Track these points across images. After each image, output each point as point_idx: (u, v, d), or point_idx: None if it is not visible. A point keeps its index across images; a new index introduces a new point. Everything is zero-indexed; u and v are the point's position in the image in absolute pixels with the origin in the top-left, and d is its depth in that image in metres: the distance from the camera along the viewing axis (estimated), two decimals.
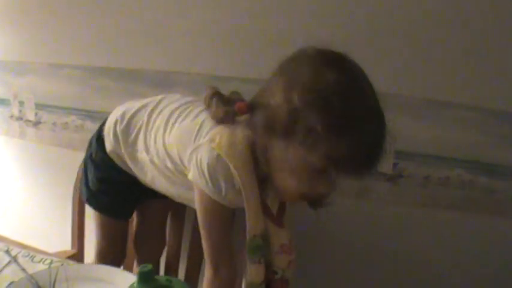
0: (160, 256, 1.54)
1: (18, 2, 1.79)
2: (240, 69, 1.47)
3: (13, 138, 1.98)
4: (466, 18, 1.26)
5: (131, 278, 0.99)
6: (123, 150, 1.25)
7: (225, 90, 1.47)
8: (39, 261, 1.14)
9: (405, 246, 1.45)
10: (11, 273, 1.08)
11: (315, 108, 0.85)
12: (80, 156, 1.53)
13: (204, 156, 1.01)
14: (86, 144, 1.39)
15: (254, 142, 0.98)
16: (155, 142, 1.17)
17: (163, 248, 1.55)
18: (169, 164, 1.14)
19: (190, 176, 1.05)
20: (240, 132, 1.00)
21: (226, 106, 1.03)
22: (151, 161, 1.19)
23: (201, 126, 1.08)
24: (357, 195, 1.45)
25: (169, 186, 1.21)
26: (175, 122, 1.14)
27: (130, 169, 1.27)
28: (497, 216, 1.34)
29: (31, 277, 1.04)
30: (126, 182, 1.30)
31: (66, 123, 1.81)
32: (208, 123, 1.07)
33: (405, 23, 1.30)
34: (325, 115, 0.84)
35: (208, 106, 1.07)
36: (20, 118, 1.93)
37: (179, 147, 1.10)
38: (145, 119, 1.21)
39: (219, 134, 1.01)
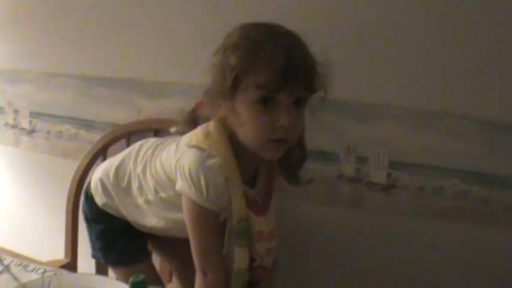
0: None
1: (13, 12, 1.79)
2: None
3: (7, 146, 1.98)
4: (461, 29, 1.26)
5: None
6: (117, 202, 1.27)
7: None
8: (32, 270, 1.14)
9: (399, 256, 1.45)
10: (4, 282, 1.07)
11: (229, 53, 1.01)
12: (74, 164, 1.53)
13: (185, 160, 1.05)
14: (80, 153, 1.39)
15: (221, 122, 1.08)
16: (145, 180, 1.21)
17: None
18: (162, 194, 1.18)
19: (177, 186, 1.08)
20: (211, 123, 1.09)
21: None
22: (147, 202, 1.22)
23: (178, 144, 1.14)
24: (351, 205, 1.45)
25: (168, 216, 1.21)
26: (157, 154, 1.20)
27: (126, 217, 1.29)
28: (492, 226, 1.34)
29: (24, 286, 1.03)
30: (127, 225, 1.30)
31: (61, 131, 1.80)
32: (183, 140, 1.13)
33: (399, 34, 1.31)
34: (237, 52, 1.00)
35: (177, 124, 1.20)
36: (14, 126, 1.93)
37: (166, 169, 1.15)
38: (131, 166, 1.25)
39: (194, 134, 1.09)
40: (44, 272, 1.13)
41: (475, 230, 1.36)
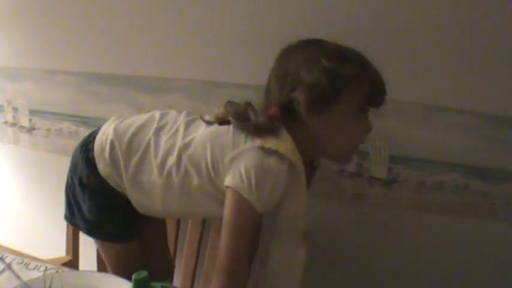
0: (167, 278, 1.49)
1: (11, 9, 1.79)
2: (235, 74, 1.47)
3: (7, 144, 1.98)
4: (461, 24, 1.26)
5: (127, 285, 0.99)
6: (123, 176, 1.17)
7: (220, 96, 1.48)
8: (34, 268, 1.14)
9: (400, 251, 1.45)
10: (6, 280, 1.08)
11: (347, 65, 1.08)
12: None
13: (251, 160, 1.04)
14: None
15: (299, 135, 1.10)
16: (176, 160, 1.13)
17: (170, 269, 1.51)
18: (195, 180, 1.12)
19: (227, 181, 1.06)
20: (285, 135, 1.09)
21: (262, 115, 1.11)
22: (166, 185, 1.14)
23: (234, 133, 1.11)
24: (352, 200, 1.46)
25: (182, 206, 1.18)
26: (197, 128, 1.17)
27: (127, 193, 1.20)
28: (492, 220, 1.34)
29: (26, 285, 1.03)
30: (127, 203, 1.22)
31: (60, 129, 1.80)
32: (239, 132, 1.10)
33: (400, 29, 1.31)
34: (354, 66, 1.09)
35: (244, 118, 1.12)
36: (14, 124, 1.93)
37: (216, 149, 1.10)
38: (151, 139, 1.17)
39: (266, 141, 1.06)
40: (46, 270, 1.13)
41: (475, 224, 1.36)
